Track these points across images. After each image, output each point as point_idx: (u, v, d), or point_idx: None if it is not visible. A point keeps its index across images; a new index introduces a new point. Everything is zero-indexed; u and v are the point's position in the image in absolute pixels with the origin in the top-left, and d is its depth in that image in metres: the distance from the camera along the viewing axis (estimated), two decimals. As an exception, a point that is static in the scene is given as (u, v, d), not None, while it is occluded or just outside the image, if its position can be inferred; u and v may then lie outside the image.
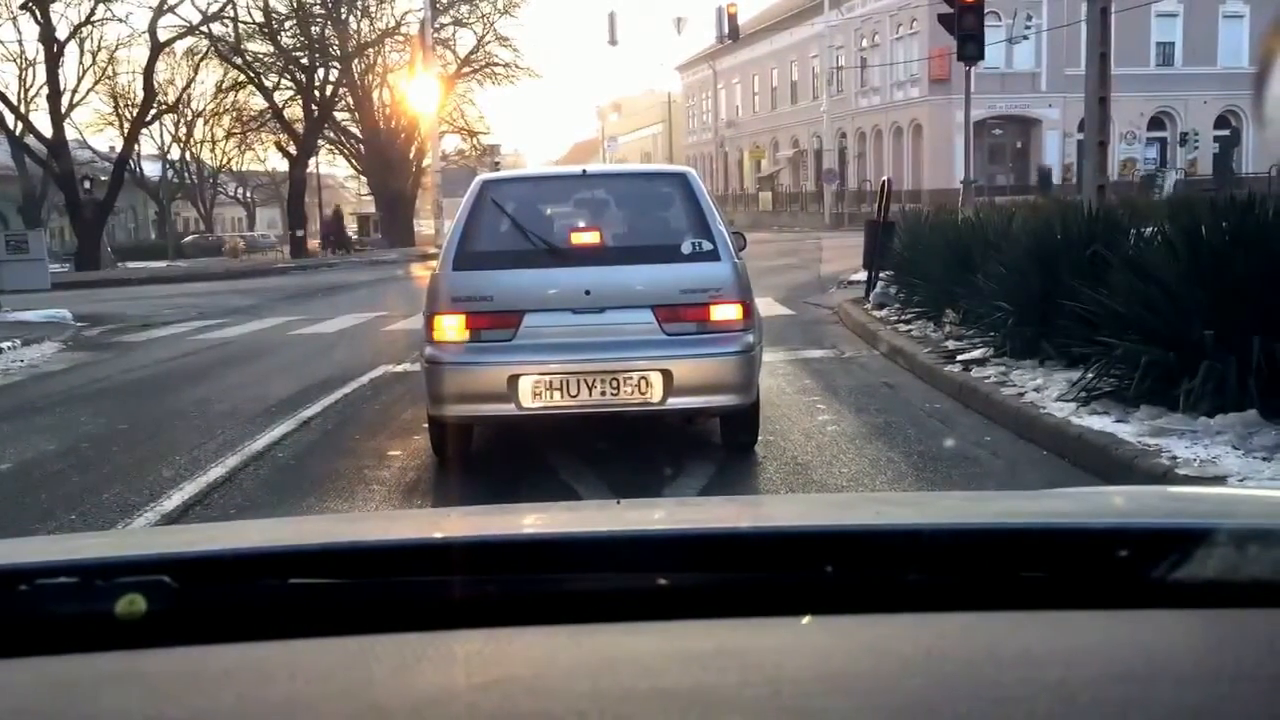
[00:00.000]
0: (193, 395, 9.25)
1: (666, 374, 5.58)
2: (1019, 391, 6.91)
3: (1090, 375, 6.32)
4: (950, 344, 9.20)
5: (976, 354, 8.31)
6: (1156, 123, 48.55)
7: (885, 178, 14.26)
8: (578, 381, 5.59)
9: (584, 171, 6.84)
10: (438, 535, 1.38)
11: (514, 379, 5.60)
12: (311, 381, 9.59)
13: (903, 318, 11.36)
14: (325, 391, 8.92)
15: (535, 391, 5.60)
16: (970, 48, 14.05)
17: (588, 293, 5.68)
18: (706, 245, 5.78)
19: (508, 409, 5.64)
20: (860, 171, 53.36)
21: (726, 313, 5.71)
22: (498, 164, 43.04)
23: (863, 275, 17.70)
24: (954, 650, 0.93)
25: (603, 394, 5.60)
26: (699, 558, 1.09)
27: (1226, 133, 48.75)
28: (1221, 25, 48.18)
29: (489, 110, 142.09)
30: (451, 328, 5.73)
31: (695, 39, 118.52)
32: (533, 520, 1.56)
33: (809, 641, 0.96)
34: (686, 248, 5.80)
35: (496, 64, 45.22)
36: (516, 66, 44.90)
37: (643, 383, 5.59)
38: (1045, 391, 6.71)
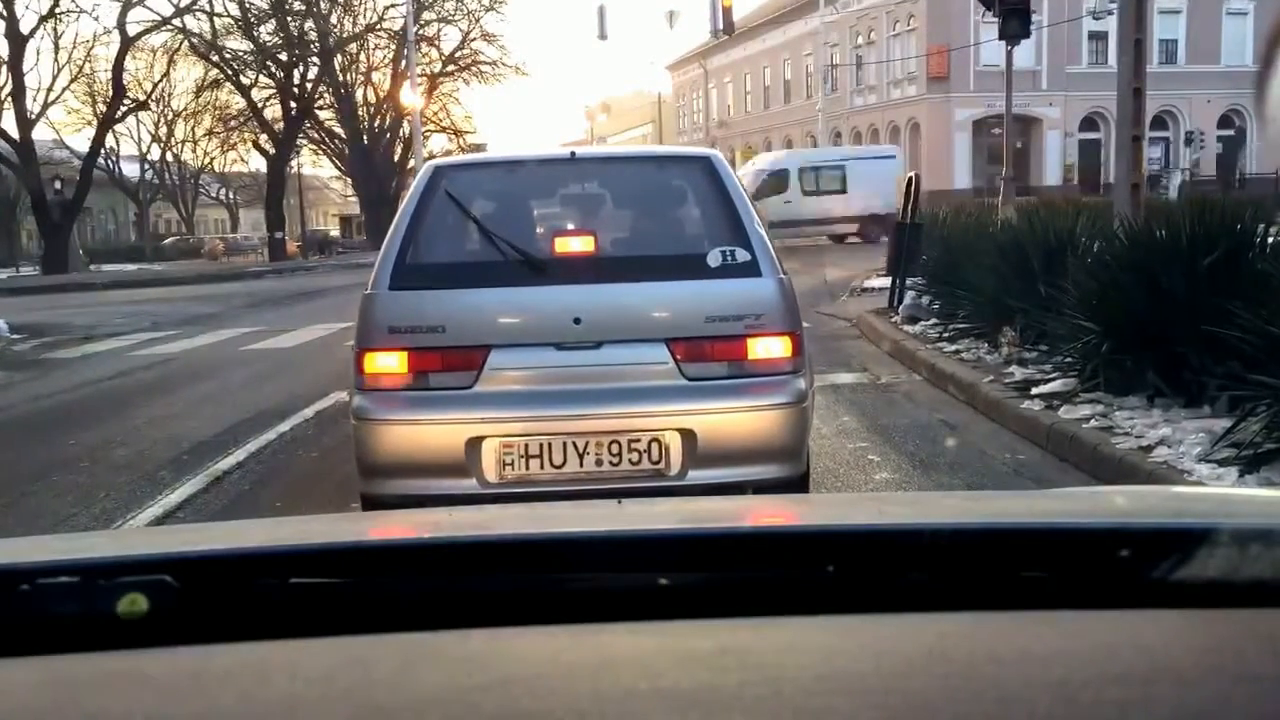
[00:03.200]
0: (97, 434, 7.60)
1: (688, 435, 4.03)
2: (1141, 444, 5.30)
3: (1256, 426, 4.73)
4: (1015, 370, 7.61)
5: (1056, 386, 6.72)
6: (1159, 122, 47.55)
7: (912, 173, 12.62)
8: (564, 445, 4.03)
9: (573, 155, 5.04)
10: (438, 535, 1.35)
11: (475, 442, 4.04)
12: (246, 415, 8.00)
13: (944, 335, 9.77)
14: (257, 430, 7.32)
15: (504, 460, 4.03)
16: (1013, 24, 12.48)
17: (578, 320, 4.14)
18: (742, 254, 4.21)
19: (466, 485, 4.03)
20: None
21: (770, 348, 4.14)
22: (483, 164, 41.90)
23: (877, 282, 16.25)
24: (955, 650, 0.92)
25: (599, 463, 4.02)
26: (700, 557, 1.09)
27: (1231, 132, 48.03)
28: (1225, 22, 47.62)
29: (476, 110, 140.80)
30: (388, 370, 4.16)
31: (686, 38, 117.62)
32: (533, 520, 1.51)
33: (810, 641, 0.96)
34: (714, 258, 4.23)
35: (482, 62, 44.30)
36: (503, 64, 43.97)
37: (655, 446, 4.03)
38: (1178, 446, 5.12)
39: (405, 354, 4.14)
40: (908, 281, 11.90)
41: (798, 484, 4.25)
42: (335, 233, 63.13)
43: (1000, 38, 12.90)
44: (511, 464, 4.04)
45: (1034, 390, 6.78)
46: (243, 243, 59.28)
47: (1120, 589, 1.01)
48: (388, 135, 46.75)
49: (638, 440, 4.04)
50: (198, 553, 1.17)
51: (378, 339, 4.18)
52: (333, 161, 50.20)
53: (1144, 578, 1.00)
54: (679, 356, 4.11)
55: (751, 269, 4.19)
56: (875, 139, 51.46)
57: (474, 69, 44.75)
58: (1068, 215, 9.35)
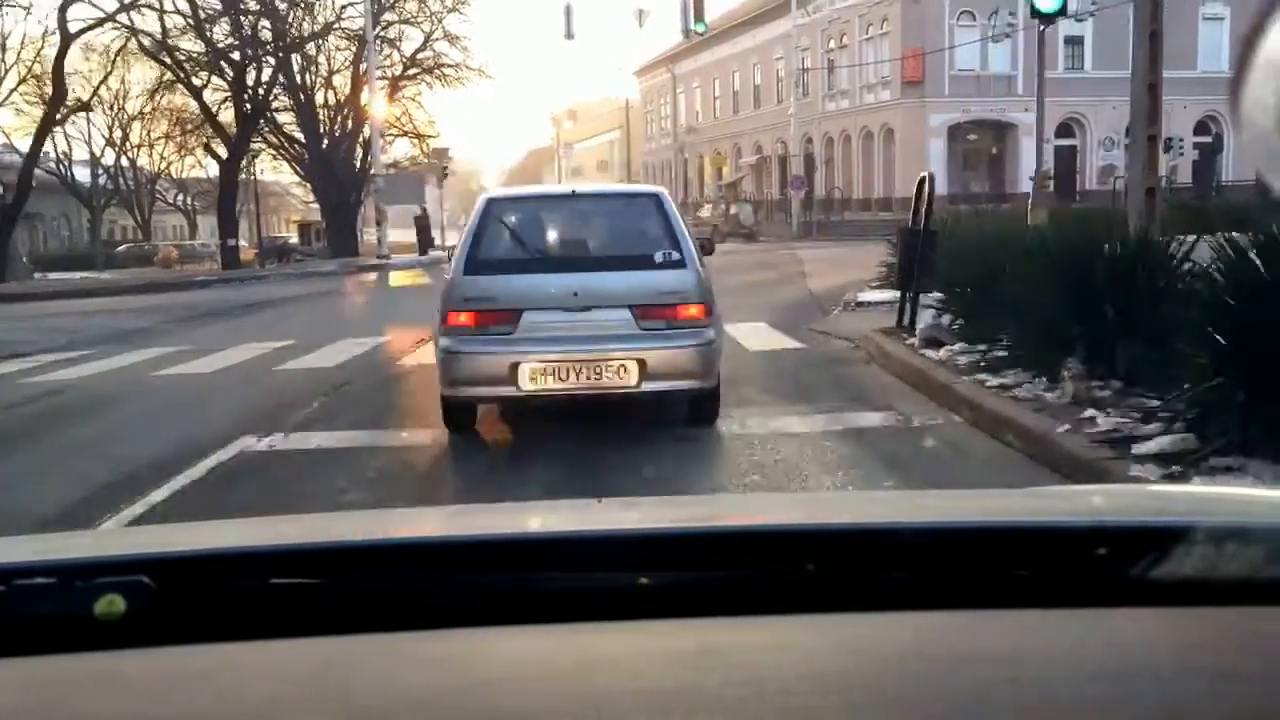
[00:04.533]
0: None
1: (642, 362, 6.48)
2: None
3: None
4: (1097, 418, 5.98)
5: (1165, 443, 5.13)
6: (1136, 128, 46.56)
7: (925, 174, 11.03)
8: (568, 368, 6.49)
9: (573, 192, 8.47)
10: (417, 535, 1.36)
11: (515, 365, 6.48)
12: (122, 472, 6.28)
13: (981, 364, 8.17)
14: (128, 496, 5.63)
15: (532, 376, 6.49)
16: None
17: (576, 294, 6.59)
18: (675, 255, 6.74)
19: (510, 390, 6.56)
20: (828, 178, 50.98)
21: (691, 312, 6.64)
22: (446, 168, 41.34)
23: (874, 295, 14.73)
24: (935, 648, 0.92)
25: (588, 379, 6.50)
26: (681, 557, 1.08)
27: (1208, 139, 47.01)
28: (1201, 28, 46.60)
29: (442, 115, 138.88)
30: (461, 322, 6.64)
31: (654, 43, 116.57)
32: (513, 519, 1.50)
33: (791, 640, 0.95)
34: (659, 257, 6.74)
35: (445, 64, 42.56)
36: (466, 67, 42.27)
37: (622, 369, 6.48)
38: None
39: (473, 313, 6.63)
40: (921, 296, 10.34)
41: (712, 393, 6.91)
42: (294, 239, 61.33)
43: (1033, 15, 11.66)
44: (536, 379, 6.49)
45: (1136, 449, 5.18)
46: (200, 249, 57.28)
47: (1098, 587, 1.00)
48: (348, 140, 45.04)
49: (611, 365, 6.50)
50: (176, 553, 1.17)
51: (457, 304, 6.69)
52: (292, 167, 48.41)
53: (1122, 576, 1.00)
54: (637, 316, 6.58)
55: (681, 264, 6.72)
56: (847, 144, 50.19)
57: (437, 71, 43.12)
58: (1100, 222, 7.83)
